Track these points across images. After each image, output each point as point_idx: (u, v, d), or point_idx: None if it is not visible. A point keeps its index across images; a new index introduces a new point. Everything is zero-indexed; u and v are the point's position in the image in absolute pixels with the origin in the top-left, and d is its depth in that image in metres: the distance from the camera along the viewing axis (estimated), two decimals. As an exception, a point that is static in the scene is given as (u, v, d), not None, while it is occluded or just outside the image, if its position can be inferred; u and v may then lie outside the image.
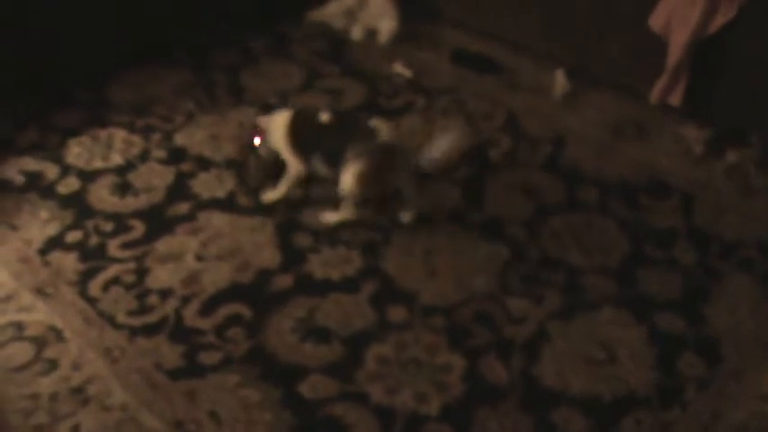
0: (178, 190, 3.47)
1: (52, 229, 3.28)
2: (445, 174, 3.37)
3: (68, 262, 3.15)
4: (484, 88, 4.08)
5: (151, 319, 2.94)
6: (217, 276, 3.09)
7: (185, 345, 2.84)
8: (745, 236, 3.23)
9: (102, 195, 3.44)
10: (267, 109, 3.57)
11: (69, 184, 3.49)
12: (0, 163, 3.59)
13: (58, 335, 2.87)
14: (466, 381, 2.72)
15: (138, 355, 2.81)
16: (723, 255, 3.16)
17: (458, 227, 3.30)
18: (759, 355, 2.79)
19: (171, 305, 2.98)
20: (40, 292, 3.03)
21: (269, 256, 3.17)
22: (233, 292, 3.03)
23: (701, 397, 2.66)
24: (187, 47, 4.37)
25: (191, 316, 2.94)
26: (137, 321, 2.93)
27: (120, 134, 3.77)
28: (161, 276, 3.09)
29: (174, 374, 2.75)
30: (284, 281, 3.07)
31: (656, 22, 3.62)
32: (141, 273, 3.11)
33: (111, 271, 3.11)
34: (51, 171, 3.56)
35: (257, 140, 3.32)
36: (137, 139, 3.75)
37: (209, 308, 2.97)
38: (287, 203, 3.36)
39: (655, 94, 3.75)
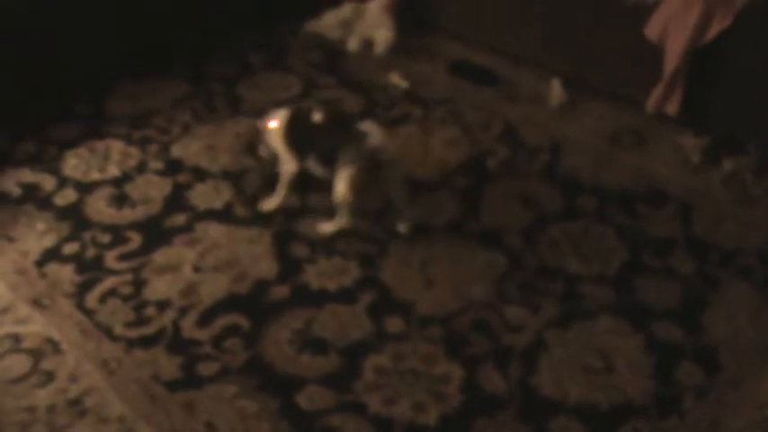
0: (175, 201, 3.47)
1: (49, 241, 3.28)
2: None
3: (65, 274, 3.14)
4: (481, 99, 4.08)
5: (148, 330, 2.93)
6: (214, 287, 3.09)
7: (183, 356, 2.84)
8: (743, 244, 3.23)
9: (99, 207, 3.44)
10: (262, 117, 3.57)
11: (66, 196, 3.49)
12: (-3, 175, 3.60)
13: (54, 347, 2.87)
14: (464, 391, 2.71)
15: (136, 366, 2.81)
16: (721, 263, 3.16)
17: (455, 236, 3.30)
18: (758, 363, 2.78)
19: (168, 316, 2.98)
20: (36, 303, 3.03)
21: (266, 266, 3.16)
22: (230, 303, 3.03)
23: (699, 405, 2.65)
24: (185, 58, 4.38)
25: (188, 327, 2.94)
26: (134, 333, 2.92)
27: (117, 146, 3.77)
28: (158, 288, 3.09)
29: (172, 386, 2.75)
30: (281, 291, 3.07)
31: (652, 31, 3.63)
32: (138, 284, 3.10)
33: (108, 283, 3.11)
34: (48, 183, 3.56)
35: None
36: (134, 150, 3.75)
37: (206, 319, 2.97)
38: (284, 214, 3.36)
39: (651, 103, 3.75)
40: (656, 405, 2.66)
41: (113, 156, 3.71)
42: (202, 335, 2.91)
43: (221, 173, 3.61)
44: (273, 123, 3.30)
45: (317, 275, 3.13)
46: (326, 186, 3.27)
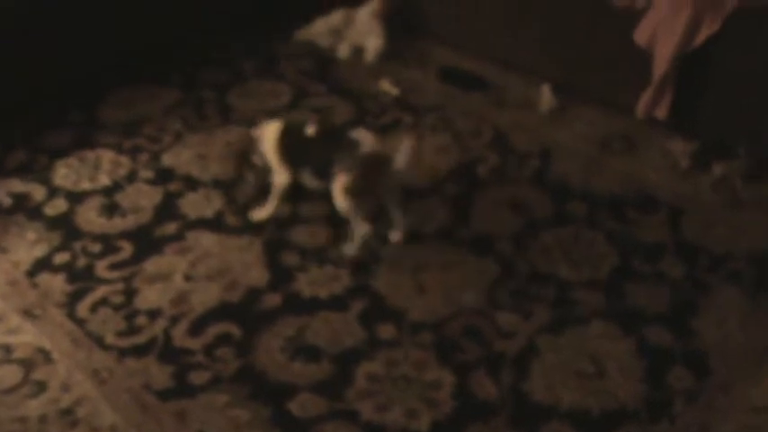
0: (166, 210, 3.47)
1: (40, 251, 3.28)
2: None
3: (56, 283, 3.14)
4: (471, 105, 4.09)
5: (140, 339, 2.93)
6: (205, 296, 3.09)
7: (174, 365, 2.83)
8: (733, 248, 3.23)
9: (89, 216, 3.44)
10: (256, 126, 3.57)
11: (57, 206, 3.49)
12: (-13, 185, 3.60)
13: (46, 357, 2.87)
14: (456, 397, 2.72)
15: (127, 375, 2.81)
16: (711, 267, 3.16)
17: (446, 243, 3.30)
18: (748, 367, 2.79)
19: (160, 325, 2.98)
20: (27, 313, 3.02)
21: (257, 275, 3.16)
22: (222, 312, 3.03)
23: (689, 410, 2.65)
24: (176, 66, 4.38)
25: (179, 336, 2.94)
26: (125, 342, 2.92)
27: (107, 155, 3.77)
28: (149, 297, 3.09)
29: (164, 395, 2.74)
30: (273, 300, 3.07)
31: (641, 36, 3.64)
32: (129, 293, 3.10)
33: (100, 292, 3.11)
34: (39, 192, 3.56)
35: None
36: (124, 159, 3.75)
37: (197, 328, 2.97)
38: (275, 222, 3.36)
39: (641, 108, 3.76)
40: (647, 410, 2.66)
41: (104, 165, 3.71)
42: (194, 344, 2.90)
43: (212, 181, 3.61)
44: (266, 135, 3.30)
45: (309, 283, 3.13)
46: (318, 195, 3.28)
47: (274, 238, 3.32)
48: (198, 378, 2.79)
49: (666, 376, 2.77)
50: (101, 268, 3.21)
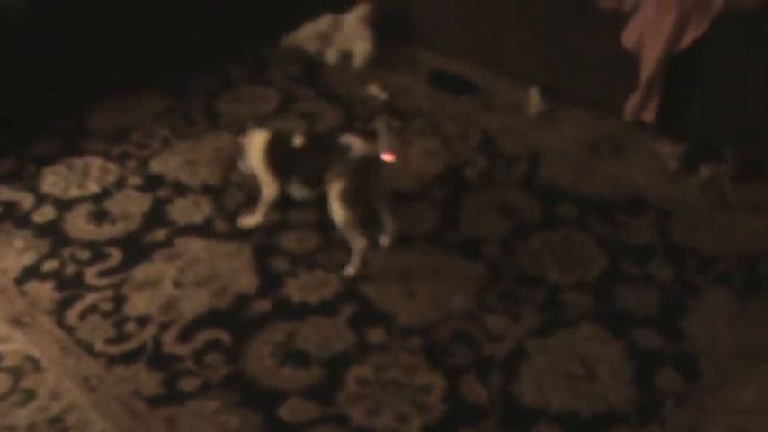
0: (155, 217, 3.47)
1: (28, 259, 3.28)
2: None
3: (45, 291, 3.14)
4: (459, 109, 4.09)
5: (129, 346, 2.93)
6: (195, 302, 3.08)
7: (164, 371, 2.83)
8: (721, 250, 3.23)
9: (78, 224, 3.44)
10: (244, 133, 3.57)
11: (45, 213, 3.49)
12: (-25, 193, 3.59)
13: (35, 365, 2.86)
14: (446, 401, 2.71)
15: (117, 383, 2.80)
16: (700, 269, 3.16)
17: (435, 247, 3.30)
18: (736, 369, 2.79)
19: (149, 332, 2.97)
20: (16, 321, 3.02)
21: (246, 281, 3.16)
22: (211, 318, 3.03)
23: (679, 412, 2.66)
24: (164, 73, 4.38)
25: (169, 342, 2.93)
26: (115, 349, 2.92)
27: (96, 162, 3.77)
28: (139, 303, 3.09)
29: (154, 402, 2.74)
30: (262, 305, 3.07)
31: (628, 39, 3.65)
32: (119, 300, 3.10)
33: (89, 299, 3.10)
34: (27, 200, 3.55)
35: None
36: (113, 166, 3.75)
37: (187, 334, 2.96)
38: (264, 228, 3.36)
39: (629, 111, 3.77)
40: (636, 412, 2.66)
41: (92, 172, 3.71)
42: (183, 350, 2.90)
43: (201, 187, 3.61)
44: (253, 145, 3.29)
45: (299, 289, 3.13)
46: (307, 202, 3.29)
47: (263, 243, 3.32)
48: (187, 384, 2.78)
49: (656, 378, 2.77)
50: (90, 275, 3.20)
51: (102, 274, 3.21)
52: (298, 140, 3.19)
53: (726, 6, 3.35)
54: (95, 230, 3.40)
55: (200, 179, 3.65)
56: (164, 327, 2.99)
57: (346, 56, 4.51)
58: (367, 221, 3.19)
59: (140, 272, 3.21)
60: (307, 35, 4.59)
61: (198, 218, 3.45)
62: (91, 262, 3.26)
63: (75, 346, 2.92)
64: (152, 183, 3.65)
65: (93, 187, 3.63)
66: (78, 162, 3.77)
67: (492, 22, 4.21)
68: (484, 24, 4.25)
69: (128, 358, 2.88)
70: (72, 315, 3.04)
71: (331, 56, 4.52)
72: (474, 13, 4.26)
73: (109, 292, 3.13)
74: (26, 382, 2.80)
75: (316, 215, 3.35)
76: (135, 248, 3.32)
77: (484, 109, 4.10)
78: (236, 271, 3.20)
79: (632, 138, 3.82)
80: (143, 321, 3.01)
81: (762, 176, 3.54)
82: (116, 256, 3.29)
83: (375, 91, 4.20)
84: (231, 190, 3.56)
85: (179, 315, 3.03)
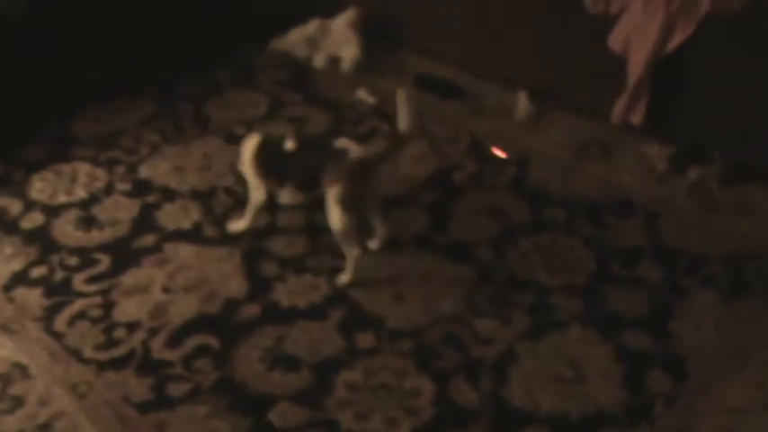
0: (143, 222, 3.46)
1: (16, 265, 3.26)
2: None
3: (33, 298, 3.13)
4: (448, 113, 4.10)
5: (118, 352, 2.92)
6: (184, 308, 3.08)
7: (153, 377, 2.82)
8: (709, 252, 3.25)
9: (66, 230, 3.43)
10: (232, 138, 3.56)
11: (33, 220, 3.48)
12: (-37, 200, 3.58)
13: (23, 371, 2.85)
14: (435, 404, 2.72)
15: (106, 389, 2.79)
16: (688, 271, 3.18)
17: (424, 250, 3.30)
18: (724, 369, 2.80)
19: (138, 338, 2.97)
20: (4, 328, 3.01)
21: (236, 285, 3.16)
22: (200, 323, 3.02)
23: (668, 413, 2.66)
24: (152, 78, 4.38)
25: (158, 348, 2.93)
26: (104, 355, 2.91)
27: (84, 168, 3.77)
28: (128, 309, 3.08)
29: (143, 407, 2.73)
30: (251, 310, 3.06)
31: (615, 42, 3.66)
32: (107, 306, 3.09)
33: (77, 305, 3.09)
34: (15, 206, 3.54)
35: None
36: (101, 172, 3.74)
37: (176, 339, 2.96)
38: (253, 232, 3.36)
39: (616, 114, 3.78)
40: (626, 413, 2.66)
41: (80, 178, 3.70)
42: (172, 355, 2.90)
43: (190, 193, 3.60)
44: (243, 150, 3.28)
45: (288, 293, 3.12)
46: (296, 205, 3.28)
47: (252, 248, 3.32)
48: (177, 390, 2.78)
49: (645, 380, 2.78)
50: (78, 281, 3.19)
51: (91, 280, 3.20)
52: (289, 144, 3.18)
53: (712, 9, 3.36)
54: (84, 236, 3.40)
55: (188, 184, 3.65)
56: (153, 332, 2.98)
57: (334, 60, 4.51)
58: (358, 226, 3.19)
59: (129, 278, 3.21)
60: (295, 40, 4.59)
61: (186, 223, 3.45)
62: (79, 268, 3.25)
63: (64, 353, 2.91)
64: (140, 188, 3.65)
65: (81, 193, 3.62)
66: (66, 168, 3.77)
67: (480, 26, 4.22)
68: (472, 29, 4.26)
69: (117, 364, 2.87)
70: (61, 321, 3.03)
71: (319, 60, 4.52)
72: (462, 17, 4.27)
73: (98, 299, 3.12)
74: (14, 389, 2.79)
75: (304, 219, 3.35)
76: (124, 254, 3.31)
77: (472, 113, 4.10)
78: (225, 276, 3.20)
79: (620, 140, 3.83)
80: (132, 327, 3.00)
81: (749, 178, 3.56)
82: (105, 261, 3.28)
83: (363, 95, 4.20)
84: (219, 195, 3.55)
85: (168, 320, 3.03)
